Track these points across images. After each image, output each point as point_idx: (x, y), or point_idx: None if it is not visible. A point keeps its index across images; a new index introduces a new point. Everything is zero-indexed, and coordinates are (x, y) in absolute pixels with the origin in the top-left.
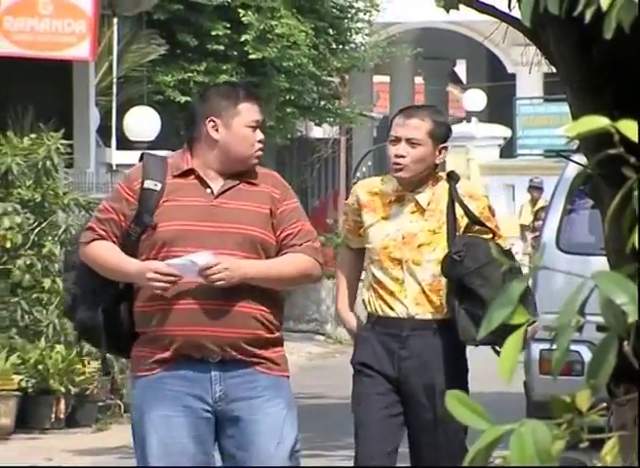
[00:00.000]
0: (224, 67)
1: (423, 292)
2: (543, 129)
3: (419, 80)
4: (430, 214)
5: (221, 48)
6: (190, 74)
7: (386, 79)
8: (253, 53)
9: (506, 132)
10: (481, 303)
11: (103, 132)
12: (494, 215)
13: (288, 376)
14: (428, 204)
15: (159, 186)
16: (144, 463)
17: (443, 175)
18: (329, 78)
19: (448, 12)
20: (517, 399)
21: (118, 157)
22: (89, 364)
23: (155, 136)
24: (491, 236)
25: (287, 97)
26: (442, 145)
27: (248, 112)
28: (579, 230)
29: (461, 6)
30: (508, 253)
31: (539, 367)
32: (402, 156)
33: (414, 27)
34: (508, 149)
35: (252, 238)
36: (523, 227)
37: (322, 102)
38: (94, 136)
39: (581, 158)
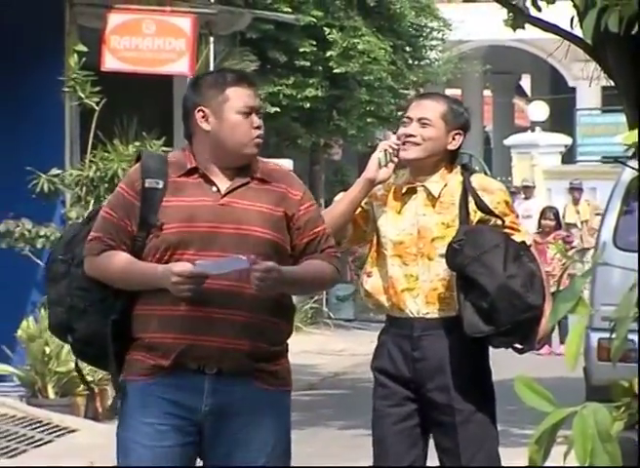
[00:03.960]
0: (311, 81)
1: (436, 289)
2: (601, 137)
3: (487, 93)
4: (444, 207)
5: (308, 63)
6: (279, 87)
7: (458, 92)
8: (337, 68)
9: (567, 140)
10: (483, 293)
11: None
12: (512, 211)
13: (289, 390)
14: (440, 195)
15: (161, 184)
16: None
17: (458, 167)
18: (405, 91)
19: (515, 30)
20: (577, 383)
21: None
22: None
23: None
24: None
25: (367, 109)
26: (456, 131)
27: (238, 97)
28: (634, 229)
29: (527, 25)
30: (523, 247)
31: (597, 354)
32: (412, 135)
33: (483, 45)
34: (569, 156)
35: (263, 241)
36: (568, 225)
37: (399, 113)
38: None
39: (637, 164)
